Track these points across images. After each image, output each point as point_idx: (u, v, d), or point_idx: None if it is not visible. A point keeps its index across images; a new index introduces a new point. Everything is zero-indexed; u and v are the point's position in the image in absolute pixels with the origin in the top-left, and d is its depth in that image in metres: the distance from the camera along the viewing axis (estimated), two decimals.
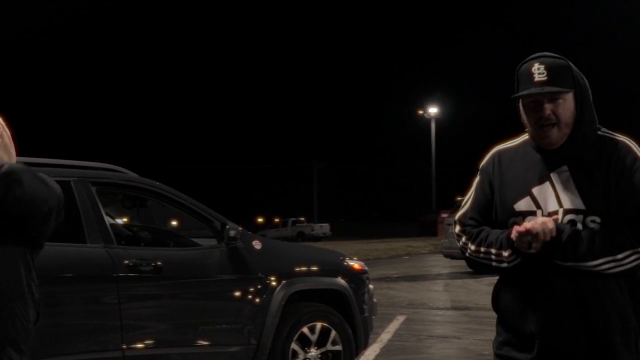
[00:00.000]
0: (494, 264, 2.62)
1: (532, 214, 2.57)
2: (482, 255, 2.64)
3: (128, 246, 5.74)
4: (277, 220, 66.00)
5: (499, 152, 2.75)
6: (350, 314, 6.38)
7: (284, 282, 6.02)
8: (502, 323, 2.72)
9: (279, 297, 5.97)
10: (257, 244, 6.04)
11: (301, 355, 6.13)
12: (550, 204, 2.56)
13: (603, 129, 2.65)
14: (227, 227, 5.84)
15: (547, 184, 2.58)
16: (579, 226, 2.52)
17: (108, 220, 6.69)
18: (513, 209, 2.62)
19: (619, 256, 2.46)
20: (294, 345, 6.09)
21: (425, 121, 62.35)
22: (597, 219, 2.50)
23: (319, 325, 6.20)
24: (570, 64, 2.59)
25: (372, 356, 8.09)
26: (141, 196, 6.23)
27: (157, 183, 6.00)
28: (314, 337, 6.17)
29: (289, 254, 6.44)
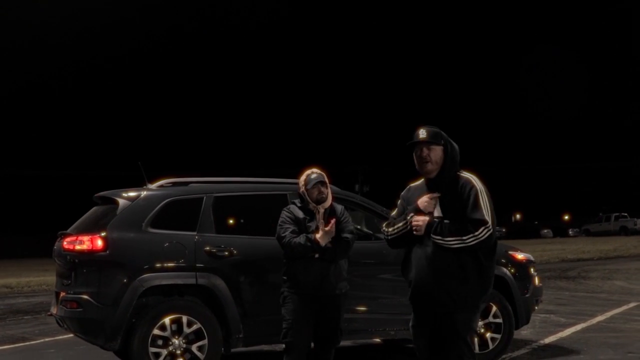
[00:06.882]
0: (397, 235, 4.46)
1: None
2: (394, 231, 4.50)
3: None
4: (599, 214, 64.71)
5: (410, 185, 4.67)
6: (511, 296, 7.90)
7: None
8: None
9: None
10: None
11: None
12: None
13: (461, 172, 4.44)
14: None
15: None
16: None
17: None
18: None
19: (464, 238, 4.21)
20: None
21: None
22: (448, 222, 4.28)
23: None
24: (442, 132, 4.44)
25: (578, 329, 9.73)
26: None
27: (352, 193, 8.05)
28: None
29: None
